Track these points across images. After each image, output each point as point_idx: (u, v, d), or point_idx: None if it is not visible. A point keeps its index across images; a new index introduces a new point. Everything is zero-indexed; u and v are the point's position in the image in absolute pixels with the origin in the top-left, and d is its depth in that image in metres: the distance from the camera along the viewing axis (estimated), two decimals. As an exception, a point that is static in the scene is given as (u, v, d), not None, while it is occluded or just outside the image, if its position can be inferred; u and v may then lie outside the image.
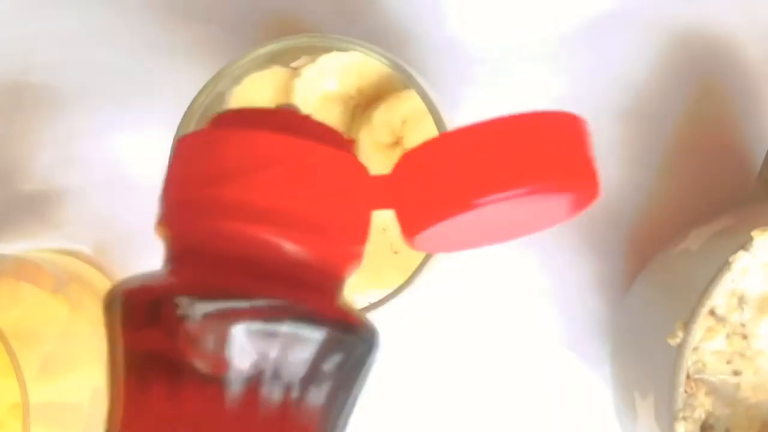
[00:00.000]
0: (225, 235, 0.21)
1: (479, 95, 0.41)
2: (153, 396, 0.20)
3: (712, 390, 0.34)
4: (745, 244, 0.32)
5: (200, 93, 0.31)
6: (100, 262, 0.41)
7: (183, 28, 0.42)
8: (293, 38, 0.31)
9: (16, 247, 0.42)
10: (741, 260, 0.32)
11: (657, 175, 0.41)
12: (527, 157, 0.21)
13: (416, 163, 0.22)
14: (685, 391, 0.32)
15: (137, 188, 0.41)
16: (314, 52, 0.33)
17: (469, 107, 0.41)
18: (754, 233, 0.32)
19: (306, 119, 0.23)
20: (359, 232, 0.22)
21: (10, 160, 0.42)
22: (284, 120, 0.22)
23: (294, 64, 0.34)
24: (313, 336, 0.20)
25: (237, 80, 0.33)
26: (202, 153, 0.21)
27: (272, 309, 0.20)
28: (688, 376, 0.33)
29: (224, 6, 0.41)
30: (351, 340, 0.21)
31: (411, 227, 0.22)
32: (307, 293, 0.21)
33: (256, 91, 0.33)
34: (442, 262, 0.33)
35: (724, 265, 0.32)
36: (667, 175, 0.41)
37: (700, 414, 0.33)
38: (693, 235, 0.36)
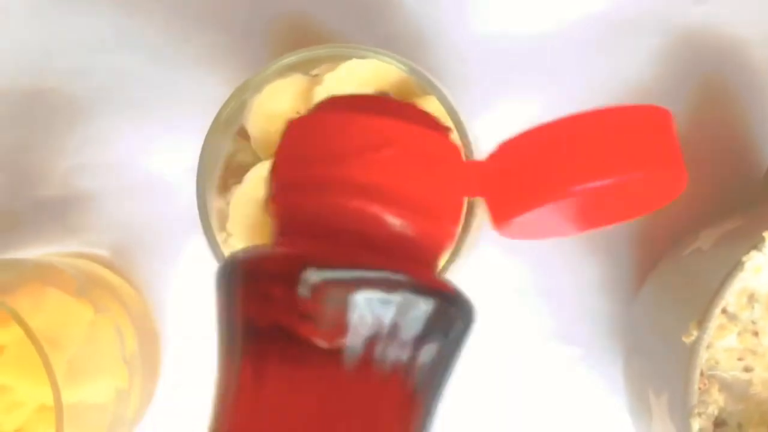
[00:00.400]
0: (341, 211, 0.22)
1: (502, 96, 0.42)
2: (270, 369, 0.21)
3: (725, 386, 0.34)
4: (757, 244, 0.33)
5: (227, 103, 0.31)
6: (118, 266, 0.42)
7: (200, 34, 0.42)
8: (316, 49, 0.32)
9: (36, 252, 0.42)
10: (754, 260, 0.33)
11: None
12: (619, 148, 0.22)
13: (510, 152, 0.23)
14: (699, 388, 0.33)
15: (154, 193, 0.42)
16: (335, 60, 0.33)
17: (495, 109, 0.42)
18: (767, 234, 0.33)
19: (408, 105, 0.24)
20: (456, 213, 0.23)
21: (29, 164, 0.42)
22: (389, 105, 0.24)
23: (314, 72, 0.34)
24: (424, 307, 0.21)
25: (258, 89, 0.33)
26: (317, 134, 0.23)
27: (390, 280, 0.21)
28: (701, 374, 0.33)
29: (239, 12, 0.42)
30: (455, 312, 0.22)
31: (503, 214, 0.23)
32: (412, 266, 0.22)
33: (277, 98, 0.34)
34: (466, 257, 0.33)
35: (737, 265, 0.33)
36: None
37: (713, 410, 0.34)
38: (703, 236, 0.37)
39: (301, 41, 0.42)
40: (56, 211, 0.42)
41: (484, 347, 0.42)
